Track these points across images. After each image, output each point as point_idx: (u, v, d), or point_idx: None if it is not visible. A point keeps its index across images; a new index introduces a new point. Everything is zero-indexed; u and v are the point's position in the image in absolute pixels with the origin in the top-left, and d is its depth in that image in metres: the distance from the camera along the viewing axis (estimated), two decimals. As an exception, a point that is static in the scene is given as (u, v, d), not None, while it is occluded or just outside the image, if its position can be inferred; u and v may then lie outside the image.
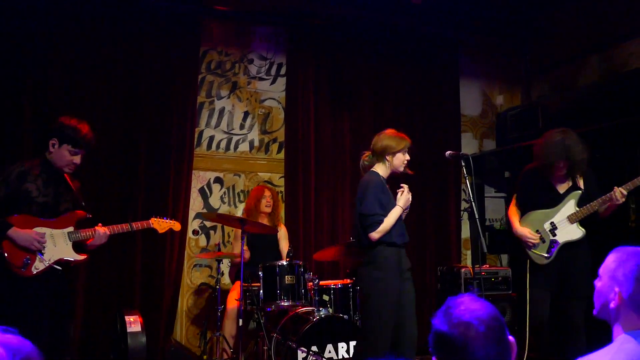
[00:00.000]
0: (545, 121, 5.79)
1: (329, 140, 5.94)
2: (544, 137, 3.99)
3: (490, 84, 6.91)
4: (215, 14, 5.75)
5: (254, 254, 5.03)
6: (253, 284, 4.56)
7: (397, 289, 3.64)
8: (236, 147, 5.79)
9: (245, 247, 4.53)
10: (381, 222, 3.60)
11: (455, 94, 6.55)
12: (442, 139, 6.27)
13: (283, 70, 5.98)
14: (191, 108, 5.49)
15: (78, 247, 3.48)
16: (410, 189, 3.79)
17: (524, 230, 4.00)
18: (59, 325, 3.38)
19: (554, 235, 3.94)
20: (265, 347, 4.36)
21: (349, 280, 4.79)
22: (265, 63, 5.95)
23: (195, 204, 5.57)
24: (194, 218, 5.55)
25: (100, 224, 3.55)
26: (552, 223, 3.95)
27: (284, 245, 5.18)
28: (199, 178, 5.63)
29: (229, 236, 5.60)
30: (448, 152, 3.89)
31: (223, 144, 5.74)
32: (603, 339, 1.90)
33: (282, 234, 5.25)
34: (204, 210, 5.54)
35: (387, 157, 3.76)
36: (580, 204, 3.92)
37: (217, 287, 4.70)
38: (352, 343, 4.33)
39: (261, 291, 4.45)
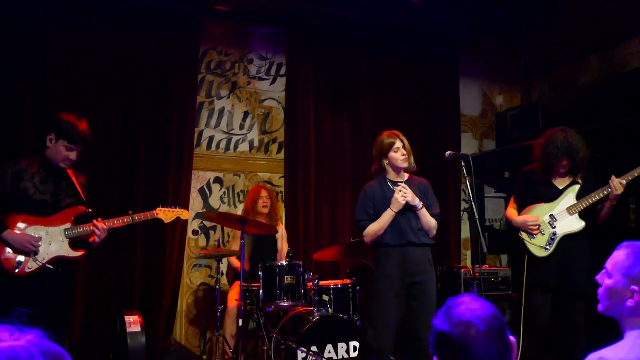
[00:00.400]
0: (545, 121, 5.78)
1: (329, 140, 5.94)
2: (545, 135, 4.00)
3: (490, 84, 6.90)
4: (215, 14, 5.75)
5: (252, 253, 5.03)
6: (253, 284, 4.55)
7: (393, 291, 3.65)
8: (236, 147, 5.79)
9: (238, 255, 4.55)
10: (365, 226, 3.79)
11: (455, 94, 6.55)
12: (442, 139, 6.26)
13: (283, 70, 5.97)
14: (191, 108, 5.49)
15: (77, 243, 3.46)
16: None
17: (523, 217, 3.99)
18: (58, 324, 3.37)
19: (553, 227, 3.93)
20: (265, 347, 4.36)
21: (348, 281, 4.78)
22: (264, 63, 5.95)
23: (195, 204, 5.57)
24: (194, 218, 5.55)
25: (99, 218, 3.51)
26: (551, 215, 3.95)
27: (283, 246, 5.17)
28: (199, 178, 5.63)
29: (228, 236, 5.60)
30: (448, 152, 3.89)
31: (223, 144, 5.74)
32: (602, 337, 1.90)
33: (281, 234, 5.25)
34: (204, 210, 5.54)
35: (384, 161, 3.82)
36: (579, 196, 3.93)
37: (217, 287, 4.70)
38: (352, 343, 4.33)
39: (261, 291, 4.44)
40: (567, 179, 4.00)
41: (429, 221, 3.81)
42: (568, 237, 3.90)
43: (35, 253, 3.28)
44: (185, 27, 5.50)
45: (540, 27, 6.56)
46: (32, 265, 3.28)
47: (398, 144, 3.78)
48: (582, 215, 3.92)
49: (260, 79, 5.93)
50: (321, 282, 4.72)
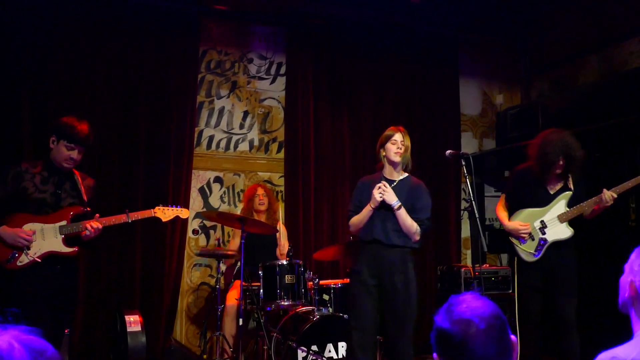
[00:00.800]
0: (545, 120, 5.79)
1: (329, 139, 5.94)
2: (541, 136, 4.02)
3: (490, 84, 6.91)
4: (215, 14, 5.75)
5: (251, 253, 5.02)
6: (253, 284, 4.56)
7: (364, 285, 3.66)
8: (236, 146, 5.79)
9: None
10: (350, 217, 3.87)
11: (455, 93, 6.56)
12: (442, 138, 6.27)
13: (283, 70, 5.98)
14: (191, 107, 5.49)
15: (72, 240, 3.49)
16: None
17: (514, 223, 4.03)
18: (58, 323, 3.40)
19: (544, 233, 3.96)
20: (265, 347, 4.36)
21: (349, 280, 4.78)
22: (264, 62, 5.95)
23: (195, 203, 5.57)
24: (194, 217, 5.55)
25: (97, 215, 3.54)
26: (542, 222, 3.98)
27: (284, 244, 5.16)
28: (199, 177, 5.63)
29: (229, 235, 5.60)
30: (448, 152, 3.89)
31: (223, 144, 5.74)
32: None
33: (281, 232, 5.23)
34: (204, 210, 5.54)
35: (382, 152, 3.84)
36: (570, 204, 3.96)
37: (217, 286, 4.70)
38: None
39: (261, 290, 4.44)
40: (559, 184, 4.02)
41: (407, 224, 3.68)
42: (556, 244, 3.95)
43: (28, 248, 3.34)
44: (185, 27, 5.51)
45: (540, 27, 6.56)
46: (23, 260, 3.34)
47: (397, 137, 3.77)
48: (571, 222, 3.97)
49: (260, 78, 5.93)
50: (321, 282, 4.72)
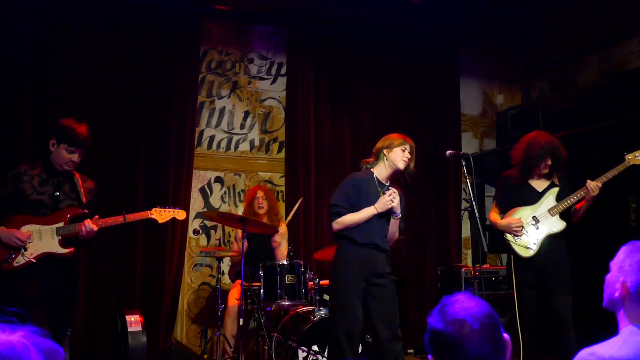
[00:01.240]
0: (546, 120, 5.79)
1: (329, 139, 5.95)
2: (525, 140, 4.13)
3: (491, 83, 6.91)
4: (215, 14, 5.76)
5: (252, 253, 5.03)
6: (254, 283, 4.56)
7: (357, 289, 3.59)
8: (236, 146, 5.80)
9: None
10: (339, 213, 3.67)
11: (455, 93, 6.56)
12: (442, 138, 6.27)
13: (283, 70, 5.98)
14: (191, 108, 5.49)
15: (70, 242, 3.52)
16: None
17: (507, 219, 4.12)
18: (58, 323, 3.43)
19: (537, 228, 4.06)
20: (266, 347, 4.37)
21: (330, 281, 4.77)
22: (265, 63, 5.95)
23: (196, 203, 5.58)
24: (195, 217, 5.55)
25: (97, 216, 3.57)
26: (534, 217, 4.09)
27: (284, 245, 5.16)
28: (200, 178, 5.64)
29: (229, 235, 5.61)
30: (448, 152, 3.91)
31: (223, 144, 5.75)
32: (594, 333, 1.91)
33: (282, 233, 5.23)
34: (205, 210, 5.55)
35: (385, 152, 3.76)
36: (558, 198, 4.09)
37: (218, 286, 4.71)
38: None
39: (262, 290, 4.45)
40: (545, 182, 4.15)
41: (395, 232, 3.78)
42: (550, 237, 4.04)
43: (25, 249, 3.37)
44: (185, 27, 5.51)
45: (540, 27, 6.56)
46: (20, 260, 3.37)
47: (408, 147, 3.77)
48: (562, 216, 4.07)
49: (261, 78, 5.93)
50: (322, 282, 4.72)
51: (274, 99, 5.97)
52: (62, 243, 3.47)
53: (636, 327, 1.65)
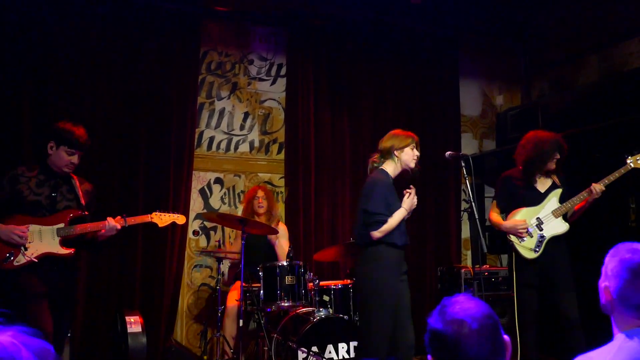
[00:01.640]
0: (545, 121, 5.79)
1: (329, 140, 5.95)
2: (529, 139, 4.13)
3: (490, 84, 6.91)
4: (215, 15, 5.76)
5: (248, 254, 5.02)
6: (253, 284, 4.56)
7: (396, 290, 3.67)
8: (236, 147, 5.80)
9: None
10: (384, 222, 3.62)
11: (455, 94, 6.56)
12: (442, 139, 6.27)
13: (283, 71, 5.98)
14: (191, 109, 5.49)
15: (70, 243, 3.55)
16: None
17: (512, 221, 4.10)
18: (58, 322, 3.45)
19: (541, 229, 4.05)
20: (266, 348, 4.36)
21: (349, 281, 4.79)
22: (265, 64, 5.95)
23: (196, 204, 5.58)
24: (194, 219, 5.55)
25: (110, 218, 3.66)
26: (538, 218, 4.08)
27: (284, 244, 5.16)
28: (199, 179, 5.64)
29: (229, 237, 5.61)
30: (448, 153, 3.92)
31: (223, 145, 5.75)
32: (598, 333, 1.91)
33: (282, 233, 5.24)
34: (204, 211, 5.54)
35: (396, 153, 3.80)
36: (562, 200, 4.09)
37: (218, 287, 4.70)
38: (353, 343, 4.33)
39: (261, 291, 4.45)
40: (547, 182, 4.16)
41: None
42: (553, 239, 4.04)
43: (25, 248, 3.40)
44: (185, 28, 5.51)
45: (540, 27, 6.56)
46: (20, 260, 3.39)
47: (415, 144, 3.83)
48: (564, 217, 4.09)
49: (261, 79, 5.93)
50: (322, 283, 4.73)
51: (274, 100, 5.97)
52: (63, 244, 3.50)
53: (629, 334, 1.64)
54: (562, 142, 4.07)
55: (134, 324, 4.42)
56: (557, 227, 4.05)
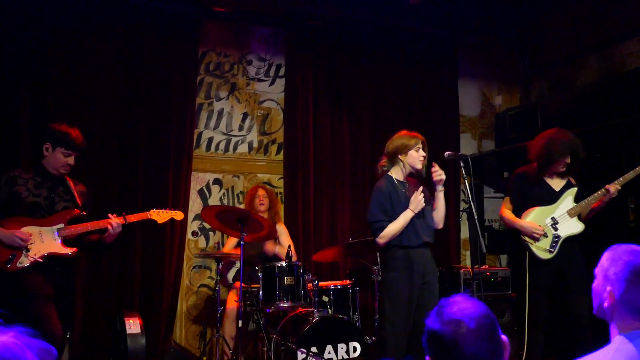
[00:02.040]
0: (545, 121, 5.79)
1: (328, 141, 5.94)
2: (544, 136, 4.08)
3: (489, 85, 6.91)
4: (214, 15, 5.75)
5: (249, 255, 5.01)
6: (252, 285, 4.55)
7: (411, 291, 3.67)
8: (235, 148, 5.79)
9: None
10: (383, 227, 3.70)
11: (454, 94, 6.56)
12: (441, 139, 6.26)
13: (282, 72, 5.98)
14: (190, 109, 5.49)
15: (70, 243, 3.59)
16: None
17: (530, 224, 4.04)
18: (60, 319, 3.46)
19: (556, 229, 4.00)
20: (265, 348, 4.36)
21: (348, 281, 4.78)
22: (264, 64, 5.95)
23: (195, 205, 5.57)
24: (193, 219, 5.55)
25: (123, 213, 3.70)
26: (553, 218, 4.03)
27: (285, 242, 5.15)
28: (198, 179, 5.63)
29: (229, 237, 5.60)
30: (447, 153, 3.92)
31: (222, 145, 5.74)
32: (598, 339, 1.90)
33: (282, 232, 5.23)
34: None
35: (400, 157, 3.83)
36: (577, 199, 4.04)
37: (217, 288, 4.70)
38: (352, 344, 4.32)
39: (261, 292, 4.44)
40: (561, 180, 4.11)
41: (437, 219, 3.90)
42: (568, 239, 3.99)
43: (27, 249, 3.41)
44: (184, 28, 5.51)
45: (540, 27, 6.56)
46: (23, 261, 3.40)
47: (420, 144, 3.84)
48: (578, 217, 4.04)
49: (260, 80, 5.93)
50: (321, 283, 4.72)
51: (273, 100, 5.96)
52: (65, 244, 3.53)
53: (627, 336, 1.64)
54: (577, 146, 3.99)
55: (133, 325, 4.42)
56: (572, 227, 4.00)
